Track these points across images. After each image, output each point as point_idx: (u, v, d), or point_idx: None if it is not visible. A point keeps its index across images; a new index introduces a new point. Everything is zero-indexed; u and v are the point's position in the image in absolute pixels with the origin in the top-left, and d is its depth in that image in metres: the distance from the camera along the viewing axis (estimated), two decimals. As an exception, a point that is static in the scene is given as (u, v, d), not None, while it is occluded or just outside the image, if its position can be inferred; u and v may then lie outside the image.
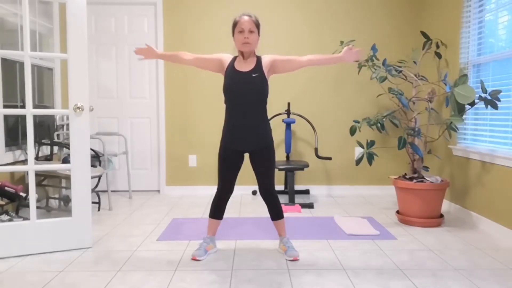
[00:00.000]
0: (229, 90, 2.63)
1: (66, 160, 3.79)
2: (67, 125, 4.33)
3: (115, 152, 4.65)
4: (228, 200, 2.78)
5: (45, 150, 4.20)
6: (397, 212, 3.69)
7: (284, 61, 2.68)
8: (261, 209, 4.07)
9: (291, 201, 4.12)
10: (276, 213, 2.78)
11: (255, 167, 2.71)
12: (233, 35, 2.67)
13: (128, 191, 4.94)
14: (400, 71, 3.84)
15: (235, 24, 2.63)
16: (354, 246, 2.96)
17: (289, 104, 4.64)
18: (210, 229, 2.84)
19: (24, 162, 3.79)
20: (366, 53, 4.74)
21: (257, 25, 2.63)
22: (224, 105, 2.72)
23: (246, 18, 2.60)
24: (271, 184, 2.72)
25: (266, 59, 2.68)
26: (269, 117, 4.67)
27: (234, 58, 2.70)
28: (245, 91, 2.60)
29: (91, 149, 3.86)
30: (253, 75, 2.61)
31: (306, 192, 4.79)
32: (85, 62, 2.83)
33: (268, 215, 3.81)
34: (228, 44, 4.70)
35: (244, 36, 2.59)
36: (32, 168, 2.75)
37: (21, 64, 3.79)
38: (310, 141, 4.84)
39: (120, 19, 4.81)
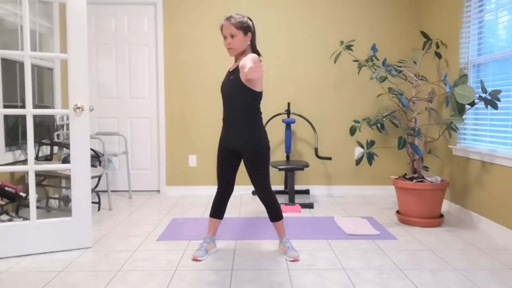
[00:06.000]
0: (221, 88, 2.73)
1: (66, 160, 3.79)
2: (67, 125, 4.33)
3: (115, 152, 4.65)
4: (228, 199, 2.78)
5: (45, 150, 4.20)
6: (397, 212, 3.69)
7: None
8: (261, 209, 4.07)
9: (291, 201, 4.12)
10: (274, 215, 2.76)
11: (246, 169, 2.71)
12: None
13: (128, 191, 4.94)
14: (400, 71, 3.84)
15: (221, 30, 2.64)
16: (354, 246, 2.96)
17: (289, 104, 4.64)
18: (210, 229, 2.84)
19: (24, 162, 3.79)
20: (366, 53, 4.74)
21: (239, 26, 2.56)
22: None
23: (225, 23, 2.58)
24: (262, 187, 2.68)
25: None
26: (269, 117, 4.71)
27: None
28: (225, 91, 2.67)
29: (91, 149, 3.86)
30: (231, 76, 2.65)
31: (306, 192, 4.79)
32: (85, 62, 2.83)
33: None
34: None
35: (226, 42, 2.61)
36: (32, 168, 2.75)
37: (21, 64, 3.79)
38: (310, 141, 4.84)
39: (120, 19, 4.81)
